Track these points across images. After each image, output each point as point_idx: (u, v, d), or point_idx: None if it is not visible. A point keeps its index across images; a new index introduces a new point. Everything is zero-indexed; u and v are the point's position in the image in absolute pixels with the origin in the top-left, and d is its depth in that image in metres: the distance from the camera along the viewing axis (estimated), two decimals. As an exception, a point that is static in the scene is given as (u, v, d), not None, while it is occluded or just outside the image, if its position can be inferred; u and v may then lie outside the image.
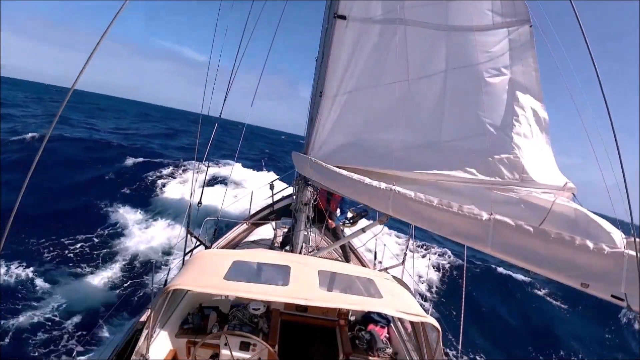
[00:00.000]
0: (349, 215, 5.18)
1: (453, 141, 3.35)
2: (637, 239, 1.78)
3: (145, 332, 2.67)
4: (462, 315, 3.69)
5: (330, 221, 5.41)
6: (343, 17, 3.54)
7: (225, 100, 4.80)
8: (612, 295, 1.93)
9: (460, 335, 3.54)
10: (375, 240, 5.62)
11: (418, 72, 3.41)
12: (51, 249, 8.63)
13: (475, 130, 3.10)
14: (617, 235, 2.28)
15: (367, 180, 3.14)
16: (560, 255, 2.07)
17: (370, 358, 3.49)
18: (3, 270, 7.35)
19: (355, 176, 3.28)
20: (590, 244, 1.96)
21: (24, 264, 7.68)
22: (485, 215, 2.37)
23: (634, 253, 1.79)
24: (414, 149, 3.44)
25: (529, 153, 3.04)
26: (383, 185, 3.01)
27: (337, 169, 3.51)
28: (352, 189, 3.34)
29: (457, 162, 3.27)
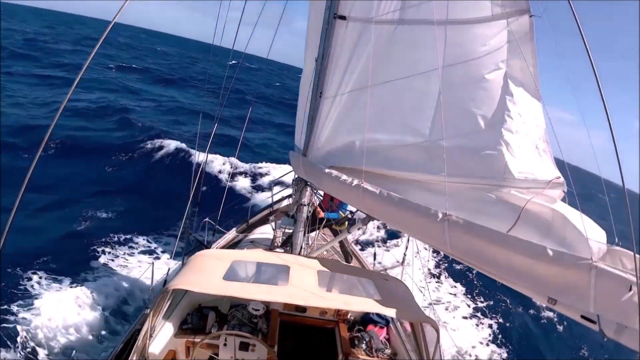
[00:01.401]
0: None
1: (449, 139, 3.28)
2: (633, 252, 1.55)
3: (144, 332, 2.67)
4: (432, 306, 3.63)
5: (319, 211, 5.15)
6: (343, 18, 3.54)
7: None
8: (582, 316, 1.64)
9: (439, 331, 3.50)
10: (375, 241, 5.62)
11: (416, 71, 3.38)
12: None
13: (469, 127, 3.04)
14: (595, 244, 1.97)
15: (343, 177, 3.17)
16: (519, 263, 1.79)
17: (369, 358, 3.48)
18: None
19: (335, 173, 3.27)
20: (549, 251, 1.68)
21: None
22: (440, 215, 2.21)
23: (605, 267, 1.49)
24: (410, 149, 3.41)
25: (519, 150, 2.93)
26: (355, 181, 3.00)
27: (322, 167, 3.50)
28: (334, 187, 3.35)
29: (449, 161, 3.21)
